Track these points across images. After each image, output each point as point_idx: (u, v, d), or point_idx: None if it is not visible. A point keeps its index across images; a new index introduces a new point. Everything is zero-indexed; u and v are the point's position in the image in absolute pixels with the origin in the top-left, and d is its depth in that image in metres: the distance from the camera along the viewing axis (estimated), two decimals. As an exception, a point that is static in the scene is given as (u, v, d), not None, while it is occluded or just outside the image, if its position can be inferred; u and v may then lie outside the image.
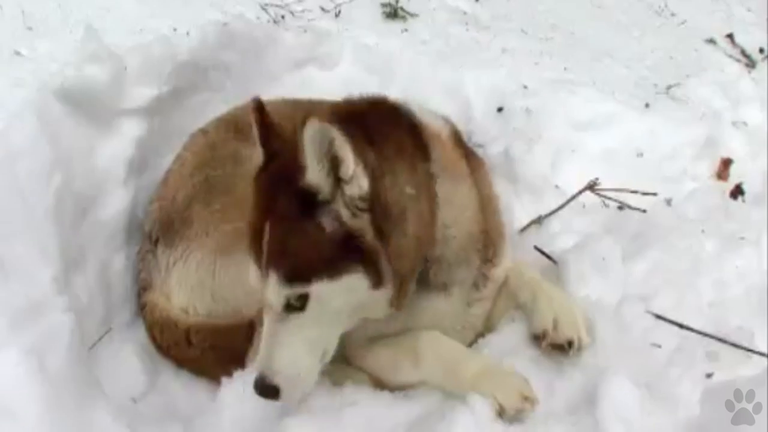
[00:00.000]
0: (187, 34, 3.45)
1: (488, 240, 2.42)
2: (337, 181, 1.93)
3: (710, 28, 5.66)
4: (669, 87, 4.59)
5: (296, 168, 1.93)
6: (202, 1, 4.10)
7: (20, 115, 2.42)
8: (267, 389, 2.05)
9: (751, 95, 4.60)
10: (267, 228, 1.99)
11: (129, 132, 2.80)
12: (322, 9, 4.55)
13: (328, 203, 1.95)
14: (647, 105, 4.27)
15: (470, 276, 2.41)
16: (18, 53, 3.29)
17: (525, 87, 4.10)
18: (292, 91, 3.50)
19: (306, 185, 1.94)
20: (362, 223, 1.97)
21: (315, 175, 1.92)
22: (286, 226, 1.97)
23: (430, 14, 4.63)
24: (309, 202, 1.95)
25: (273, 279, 1.98)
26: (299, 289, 1.97)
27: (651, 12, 5.72)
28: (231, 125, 2.89)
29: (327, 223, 1.96)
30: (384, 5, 4.63)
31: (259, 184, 2.10)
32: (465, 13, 4.74)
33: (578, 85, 4.17)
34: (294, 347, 2.04)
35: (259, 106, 2.14)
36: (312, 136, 1.86)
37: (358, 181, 1.93)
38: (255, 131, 2.15)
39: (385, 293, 2.06)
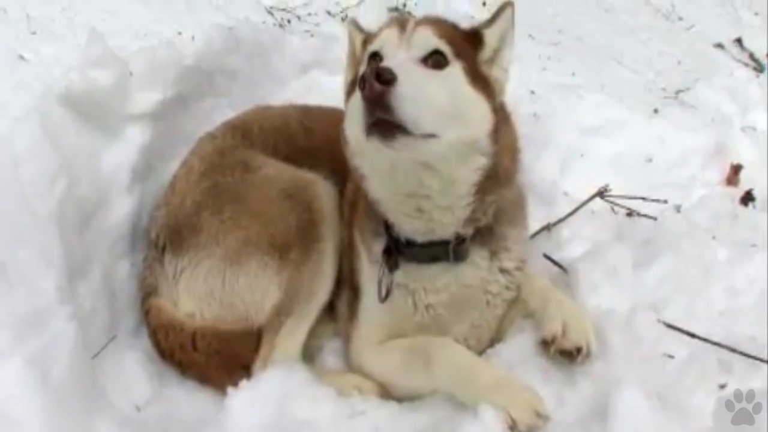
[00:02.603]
0: (193, 38, 3.43)
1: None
2: None
3: (718, 32, 5.66)
4: (677, 92, 4.58)
5: None
6: (207, 5, 4.09)
7: (24, 120, 2.39)
8: (384, 71, 1.87)
9: (760, 100, 4.58)
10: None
11: (134, 137, 2.78)
12: (328, 13, 4.54)
13: None
14: (656, 110, 4.25)
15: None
16: (22, 57, 3.27)
17: (532, 92, 4.09)
18: (298, 96, 3.50)
19: None
20: None
21: None
22: None
23: (437, 18, 4.63)
24: None
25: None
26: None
27: (659, 16, 5.71)
28: (238, 131, 2.87)
29: None
30: (391, 9, 4.62)
31: None
32: (472, 17, 4.73)
33: (586, 90, 4.16)
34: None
35: None
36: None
37: None
38: None
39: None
